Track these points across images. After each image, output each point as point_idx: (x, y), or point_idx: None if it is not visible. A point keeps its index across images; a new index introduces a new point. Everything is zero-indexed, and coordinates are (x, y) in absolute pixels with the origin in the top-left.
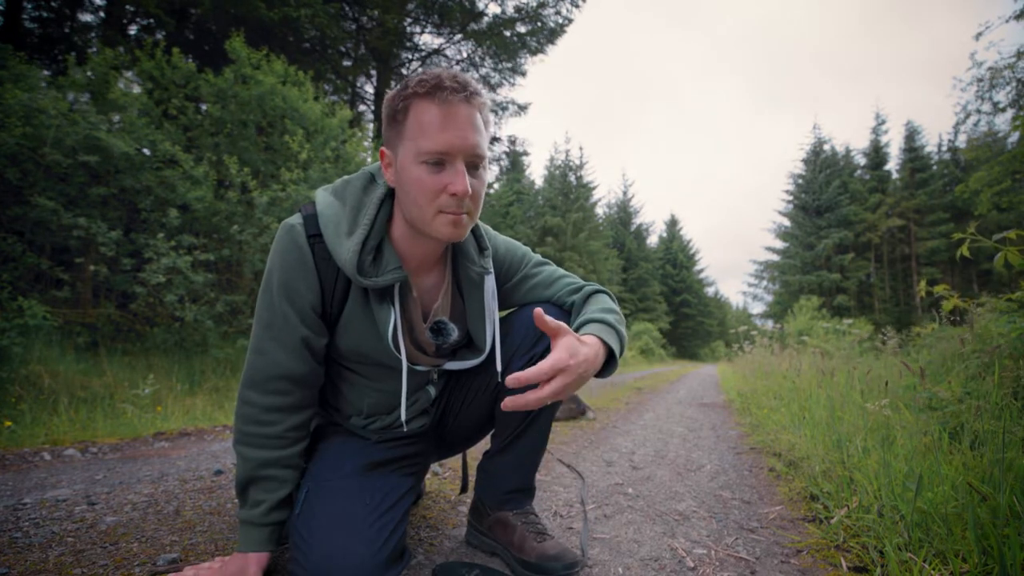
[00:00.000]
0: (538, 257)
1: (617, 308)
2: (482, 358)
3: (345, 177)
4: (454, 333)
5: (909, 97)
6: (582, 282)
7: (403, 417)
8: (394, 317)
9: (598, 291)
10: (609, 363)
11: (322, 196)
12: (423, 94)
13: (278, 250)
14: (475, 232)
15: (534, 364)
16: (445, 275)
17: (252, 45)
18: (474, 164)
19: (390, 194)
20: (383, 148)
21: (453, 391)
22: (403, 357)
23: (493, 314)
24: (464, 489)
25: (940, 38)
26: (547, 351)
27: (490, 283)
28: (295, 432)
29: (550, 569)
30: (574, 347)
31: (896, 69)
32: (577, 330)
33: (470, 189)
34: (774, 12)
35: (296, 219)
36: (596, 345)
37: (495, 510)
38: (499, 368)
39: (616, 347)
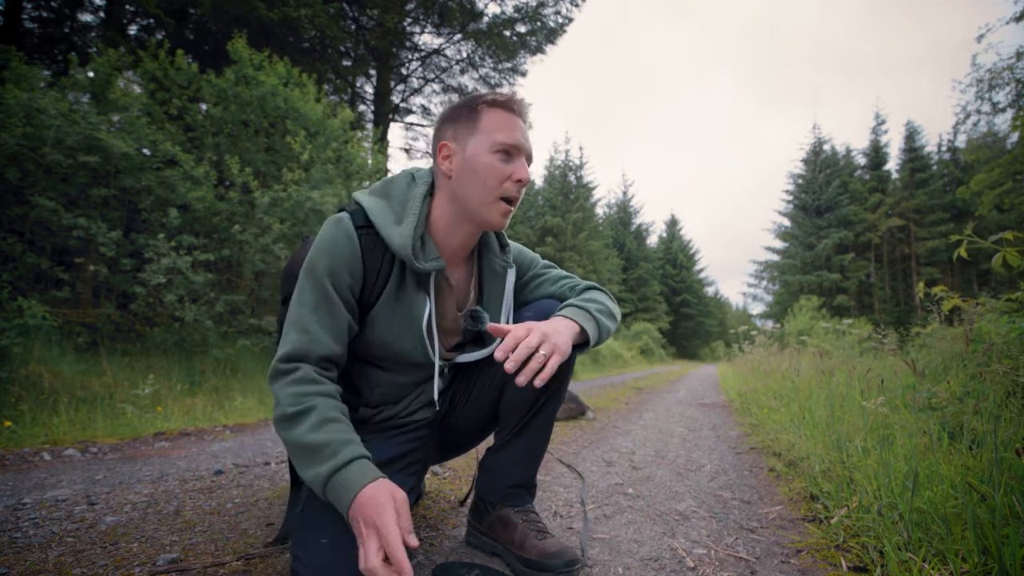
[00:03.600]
0: (545, 261)
1: (605, 301)
2: (492, 348)
3: (385, 178)
4: (487, 320)
5: (910, 93)
6: (581, 281)
7: (435, 396)
8: (429, 306)
9: (592, 287)
10: (585, 342)
11: (364, 197)
12: (500, 102)
13: (326, 238)
14: (496, 232)
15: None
16: (472, 268)
17: (252, 45)
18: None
19: (429, 192)
20: (444, 142)
21: (460, 385)
22: (436, 344)
23: (510, 306)
24: (467, 498)
25: (942, 32)
26: None
27: (511, 276)
28: (339, 393)
29: (551, 566)
30: (531, 323)
31: (897, 64)
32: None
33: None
34: (774, 8)
35: (342, 214)
36: (562, 320)
37: (497, 507)
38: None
39: (588, 326)
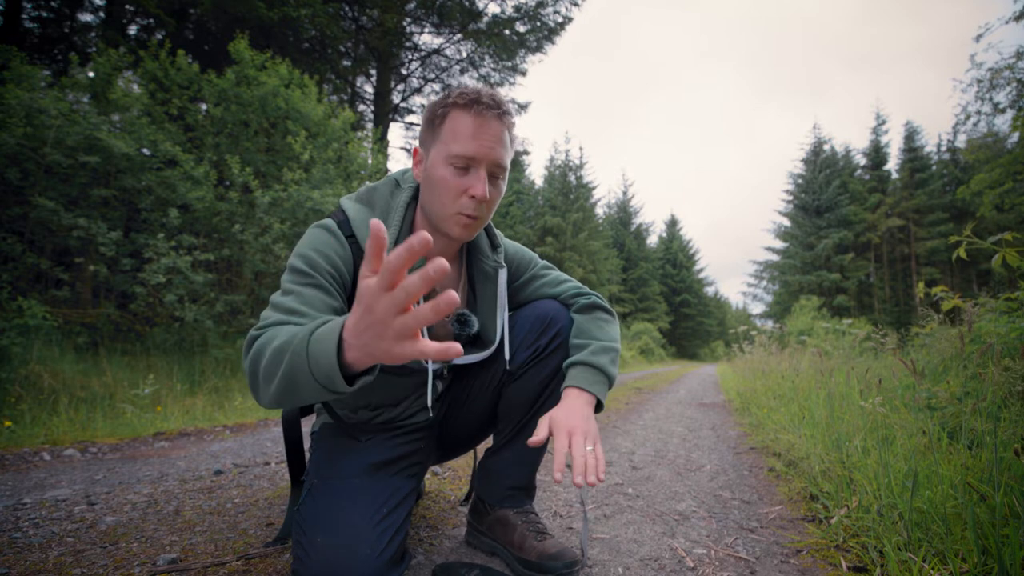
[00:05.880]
0: (544, 262)
1: (611, 340)
2: (491, 351)
3: (370, 184)
4: (476, 325)
5: (910, 92)
6: (582, 287)
7: (429, 403)
8: None
9: (595, 305)
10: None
11: (349, 204)
12: (462, 105)
13: (312, 236)
14: (488, 231)
15: (537, 357)
16: (461, 270)
17: (252, 45)
18: (495, 174)
19: (414, 197)
20: (417, 147)
21: (458, 386)
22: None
23: (504, 307)
24: (468, 498)
25: (944, 28)
26: (550, 344)
27: (503, 276)
28: None
29: (550, 568)
30: (555, 420)
31: (898, 62)
32: (567, 369)
33: (488, 195)
34: (775, 2)
35: (329, 220)
36: (579, 397)
37: (495, 508)
38: (507, 357)
39: (600, 390)
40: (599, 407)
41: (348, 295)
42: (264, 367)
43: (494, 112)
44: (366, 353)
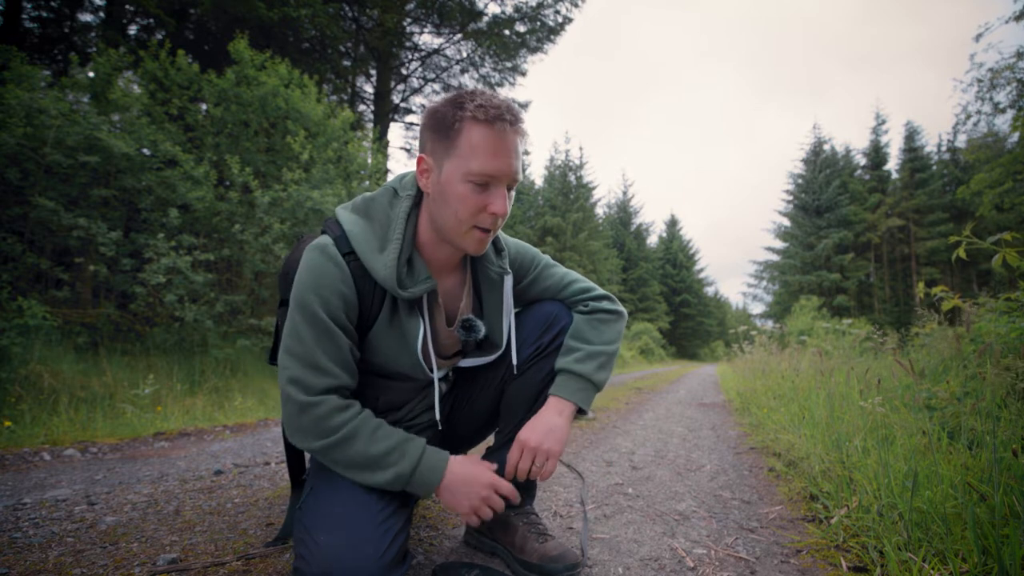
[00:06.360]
0: (547, 259)
1: (607, 343)
2: (499, 354)
3: (366, 195)
4: (482, 330)
5: (910, 90)
6: (588, 286)
7: (438, 416)
8: (423, 328)
9: (598, 308)
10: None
11: (345, 216)
12: (482, 120)
13: (315, 268)
14: None
15: (540, 354)
16: (465, 276)
17: (252, 45)
18: (511, 186)
19: (414, 205)
20: (422, 155)
21: (461, 386)
22: (434, 366)
23: (510, 311)
24: None
25: (944, 25)
26: (553, 341)
27: (509, 282)
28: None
29: (551, 570)
30: (522, 439)
31: (899, 58)
32: (556, 373)
33: (508, 210)
34: (775, 3)
35: (326, 240)
36: (556, 406)
37: None
38: (515, 361)
39: (583, 397)
40: (583, 411)
41: (357, 315)
42: (343, 459)
43: (513, 127)
44: (455, 487)
